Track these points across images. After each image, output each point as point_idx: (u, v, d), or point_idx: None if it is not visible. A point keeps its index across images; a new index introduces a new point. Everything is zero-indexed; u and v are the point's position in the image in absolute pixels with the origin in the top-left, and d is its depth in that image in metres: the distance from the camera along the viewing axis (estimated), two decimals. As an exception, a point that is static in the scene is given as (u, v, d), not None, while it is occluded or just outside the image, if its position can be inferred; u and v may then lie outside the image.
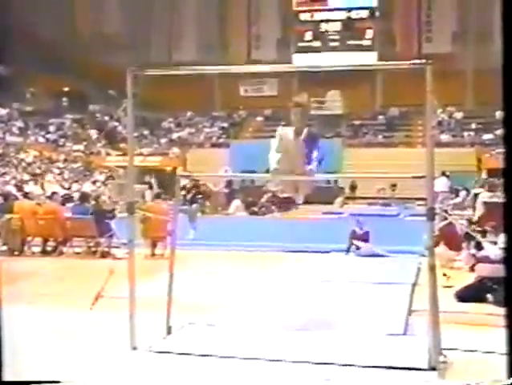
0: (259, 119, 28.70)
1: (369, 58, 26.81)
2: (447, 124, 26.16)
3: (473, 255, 8.80)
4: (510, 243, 2.83)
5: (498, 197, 10.04)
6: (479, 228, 9.98)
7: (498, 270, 5.91)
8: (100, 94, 29.60)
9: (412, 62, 4.69)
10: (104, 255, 10.61)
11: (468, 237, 9.60)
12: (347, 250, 10.66)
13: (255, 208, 19.31)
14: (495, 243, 7.74)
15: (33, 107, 28.29)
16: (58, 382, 3.86)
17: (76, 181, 21.53)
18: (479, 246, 9.02)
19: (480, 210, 10.74)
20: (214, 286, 7.59)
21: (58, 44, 29.36)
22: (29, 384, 3.75)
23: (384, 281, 7.81)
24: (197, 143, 27.37)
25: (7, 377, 3.12)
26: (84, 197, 12.15)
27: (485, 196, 10.83)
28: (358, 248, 10.67)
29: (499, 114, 25.10)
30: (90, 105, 29.66)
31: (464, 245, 9.66)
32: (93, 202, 11.73)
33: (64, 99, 29.26)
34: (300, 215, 16.73)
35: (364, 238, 10.79)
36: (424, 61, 4.53)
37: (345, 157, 24.38)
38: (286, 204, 20.22)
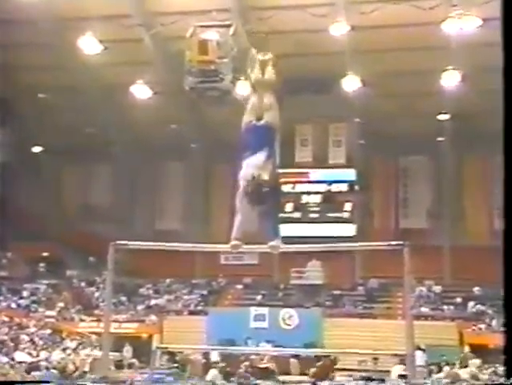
0: (239, 287, 28.60)
1: (348, 230, 27.41)
2: (426, 297, 26.20)
3: None
4: (510, 241, 2.74)
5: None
6: None
7: None
8: (79, 260, 29.63)
9: (389, 243, 4.82)
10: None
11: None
12: None
13: (233, 379, 18.61)
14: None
15: (8, 272, 27.99)
16: (48, 382, 3.65)
17: (45, 349, 20.73)
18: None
19: None
20: None
21: (41, 214, 29.90)
22: (20, 384, 3.60)
23: None
24: (174, 310, 26.95)
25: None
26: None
27: (399, 368, 10.73)
28: None
29: (477, 289, 25.37)
30: (67, 270, 29.47)
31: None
32: (60, 372, 11.26)
33: (41, 264, 29.09)
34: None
35: None
36: (401, 242, 4.66)
37: (325, 327, 24.03)
38: (265, 374, 19.56)
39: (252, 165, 5.11)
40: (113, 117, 28.77)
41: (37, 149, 31.02)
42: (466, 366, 12.88)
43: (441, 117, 26.61)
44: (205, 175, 30.72)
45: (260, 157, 5.12)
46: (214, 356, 19.97)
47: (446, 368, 13.79)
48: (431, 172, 29.25)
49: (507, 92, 2.82)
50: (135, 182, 31.47)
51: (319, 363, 12.97)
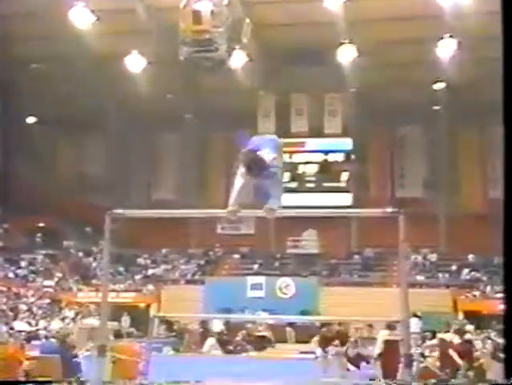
0: (235, 256, 28.77)
1: (344, 200, 27.48)
2: (422, 265, 26.42)
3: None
4: (510, 245, 2.81)
5: (396, 336, 10.11)
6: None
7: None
8: (75, 230, 29.68)
9: (384, 210, 4.80)
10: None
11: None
12: None
13: (230, 347, 18.85)
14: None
15: (4, 242, 28.06)
16: (50, 382, 3.72)
17: (44, 318, 20.94)
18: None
19: (379, 348, 10.72)
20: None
21: (37, 185, 29.82)
22: (23, 384, 3.64)
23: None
24: (172, 279, 27.13)
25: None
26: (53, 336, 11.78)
27: (384, 333, 10.80)
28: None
29: (472, 257, 25.60)
30: (64, 241, 29.54)
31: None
32: (61, 340, 11.37)
33: (38, 234, 29.16)
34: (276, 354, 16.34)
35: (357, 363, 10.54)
36: (396, 210, 4.64)
37: (321, 296, 24.26)
38: (261, 342, 19.84)
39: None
40: (108, 87, 28.54)
41: (31, 120, 30.84)
42: (464, 332, 13.04)
43: (437, 86, 26.50)
44: (200, 145, 30.64)
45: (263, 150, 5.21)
46: (216, 326, 20.12)
47: (440, 335, 13.90)
48: (427, 141, 29.23)
49: (507, 61, 2.80)
50: (130, 153, 31.39)
51: (324, 329, 13.12)
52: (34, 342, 11.89)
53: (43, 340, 12.40)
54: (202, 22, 13.50)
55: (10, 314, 20.62)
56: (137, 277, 27.36)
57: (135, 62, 25.18)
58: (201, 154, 30.75)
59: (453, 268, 25.87)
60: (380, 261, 26.95)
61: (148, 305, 25.02)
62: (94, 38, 24.42)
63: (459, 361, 10.34)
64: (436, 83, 26.26)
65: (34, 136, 30.38)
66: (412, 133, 29.39)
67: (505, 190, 3.42)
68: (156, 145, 31.48)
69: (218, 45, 13.75)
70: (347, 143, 28.98)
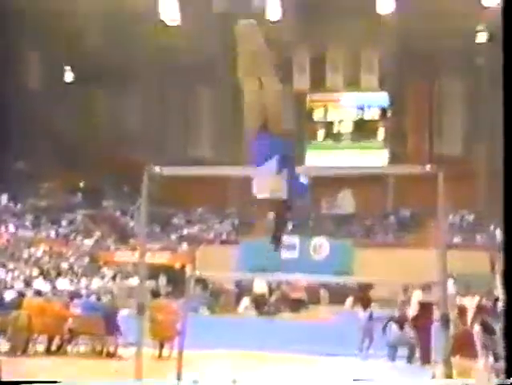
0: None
1: (381, 158, 27.11)
2: (459, 227, 26.03)
3: (492, 365, 8.51)
4: (511, 249, 2.74)
5: (431, 297, 9.97)
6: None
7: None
8: (113, 188, 29.88)
9: (423, 167, 4.62)
10: (110, 355, 10.36)
11: (485, 345, 9.31)
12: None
13: (265, 308, 18.97)
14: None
15: (47, 201, 28.56)
16: (56, 382, 3.74)
17: (85, 276, 21.36)
18: (497, 355, 8.71)
19: (414, 310, 10.62)
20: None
21: (76, 142, 30.01)
22: (28, 384, 3.64)
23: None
24: (207, 239, 27.30)
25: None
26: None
27: (419, 295, 10.68)
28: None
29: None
30: (103, 201, 29.88)
31: (481, 353, 9.36)
32: (103, 299, 11.63)
33: (79, 194, 29.58)
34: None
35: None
36: (435, 166, 4.47)
37: (356, 257, 24.10)
38: (295, 304, 19.90)
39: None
40: (143, 41, 28.21)
41: (69, 77, 30.92)
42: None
43: (479, 38, 25.61)
44: (236, 100, 30.32)
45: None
46: (258, 288, 20.04)
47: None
48: (467, 96, 28.45)
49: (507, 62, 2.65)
50: (166, 110, 31.24)
51: (359, 293, 13.16)
52: (76, 301, 12.11)
53: (85, 298, 12.66)
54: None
55: (53, 272, 21.08)
56: (173, 236, 27.57)
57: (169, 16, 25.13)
58: (238, 110, 30.45)
59: (491, 228, 25.39)
60: (417, 222, 26.64)
61: (184, 266, 25.25)
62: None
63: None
64: (478, 32, 25.34)
65: (71, 93, 30.44)
66: (451, 88, 28.63)
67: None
68: (193, 101, 31.29)
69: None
70: (383, 97, 28.49)
